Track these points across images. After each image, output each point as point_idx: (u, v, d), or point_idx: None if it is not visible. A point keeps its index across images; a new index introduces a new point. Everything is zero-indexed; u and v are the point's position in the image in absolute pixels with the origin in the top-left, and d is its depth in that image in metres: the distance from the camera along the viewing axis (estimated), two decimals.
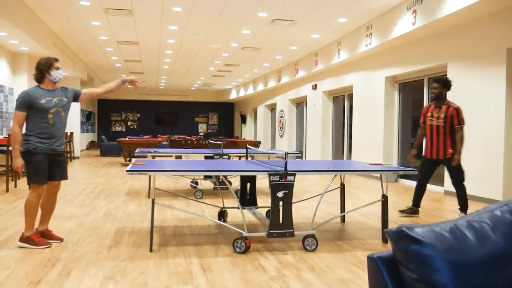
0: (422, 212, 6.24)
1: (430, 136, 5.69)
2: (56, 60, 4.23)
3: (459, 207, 5.75)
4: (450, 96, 7.93)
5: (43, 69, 4.14)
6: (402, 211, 5.94)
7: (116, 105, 27.19)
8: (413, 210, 5.87)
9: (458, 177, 5.62)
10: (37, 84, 4.21)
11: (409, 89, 9.99)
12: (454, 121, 5.53)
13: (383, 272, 1.48)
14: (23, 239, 4.06)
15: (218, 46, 12.57)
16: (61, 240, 4.30)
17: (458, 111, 5.53)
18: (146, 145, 13.30)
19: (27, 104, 4.03)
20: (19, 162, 4.05)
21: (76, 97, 4.45)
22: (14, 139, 4.06)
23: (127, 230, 4.85)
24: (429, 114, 5.69)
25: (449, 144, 5.56)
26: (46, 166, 4.15)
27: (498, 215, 1.61)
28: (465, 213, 5.61)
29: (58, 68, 4.21)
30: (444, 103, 5.65)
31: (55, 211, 5.82)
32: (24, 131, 4.11)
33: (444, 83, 5.65)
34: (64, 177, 4.37)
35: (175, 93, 26.97)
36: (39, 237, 4.11)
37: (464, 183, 5.64)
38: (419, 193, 5.83)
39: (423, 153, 5.92)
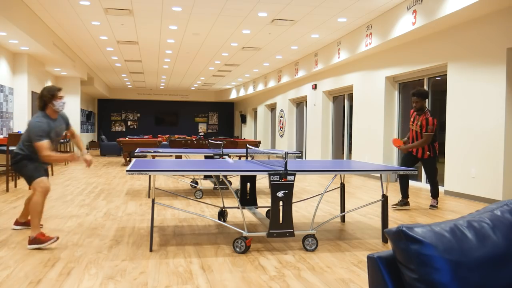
0: (422, 212, 6.25)
1: (413, 138, 6.51)
2: (59, 89, 4.36)
3: (431, 194, 6.57)
4: (452, 96, 7.94)
5: (46, 100, 4.27)
6: (394, 206, 6.47)
7: (116, 105, 27.19)
8: (404, 202, 6.47)
9: (431, 174, 6.43)
10: (42, 111, 4.33)
11: (409, 89, 9.99)
12: (423, 129, 6.32)
13: (383, 272, 1.48)
14: (32, 241, 4.03)
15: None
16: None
17: (427, 121, 6.25)
18: (146, 145, 13.31)
19: (46, 132, 4.21)
20: (76, 155, 4.30)
21: (67, 128, 4.70)
22: (59, 158, 4.22)
23: (127, 230, 4.85)
24: (411, 119, 6.52)
25: (426, 147, 6.37)
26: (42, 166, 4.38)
27: (498, 215, 1.61)
28: (437, 200, 6.53)
29: (61, 98, 4.34)
30: (423, 112, 6.37)
31: (55, 211, 5.83)
32: (22, 146, 4.29)
33: (422, 96, 6.35)
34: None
35: (175, 93, 26.97)
36: (43, 234, 4.10)
37: (436, 179, 6.51)
38: (404, 184, 6.44)
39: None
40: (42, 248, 4.03)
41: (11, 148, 7.63)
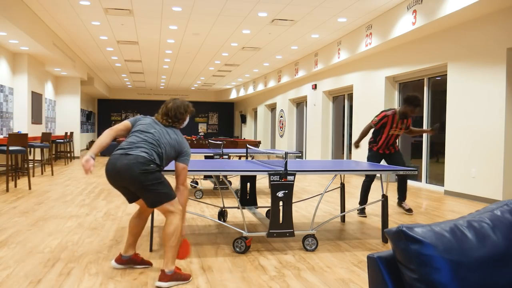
0: (422, 212, 6.25)
1: (387, 139, 6.02)
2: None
3: (398, 196, 6.24)
4: (452, 96, 7.94)
5: (184, 117, 3.52)
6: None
7: (116, 105, 27.20)
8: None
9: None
10: (177, 129, 3.51)
11: (409, 89, 9.99)
12: (409, 126, 6.09)
13: (383, 272, 1.48)
14: (170, 277, 3.19)
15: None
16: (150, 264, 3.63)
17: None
18: None
19: None
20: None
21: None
22: (183, 214, 3.42)
23: (127, 230, 4.85)
24: (394, 125, 5.96)
25: (395, 143, 6.17)
26: None
27: (498, 215, 1.61)
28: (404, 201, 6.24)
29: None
30: (408, 116, 6.04)
31: (55, 211, 5.83)
32: (155, 153, 3.28)
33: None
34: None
35: (175, 93, 26.96)
36: (180, 269, 3.35)
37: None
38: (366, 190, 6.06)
39: (374, 148, 6.13)
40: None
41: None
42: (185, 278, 3.24)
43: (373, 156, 6.12)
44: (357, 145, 6.16)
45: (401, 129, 6.04)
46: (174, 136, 3.37)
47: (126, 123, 3.44)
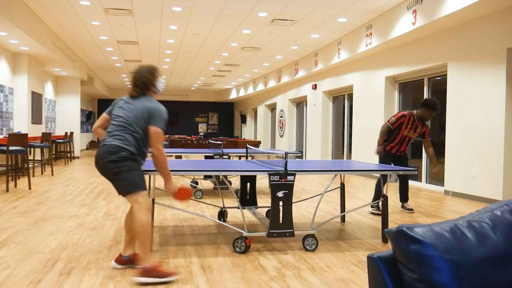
0: (421, 212, 6.25)
1: (401, 140, 6.10)
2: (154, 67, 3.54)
3: (400, 198, 6.30)
4: (452, 96, 7.94)
5: (148, 82, 3.42)
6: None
7: None
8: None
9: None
10: (149, 96, 3.44)
11: (409, 89, 9.99)
12: (426, 135, 6.14)
13: (383, 272, 1.48)
14: (145, 272, 3.17)
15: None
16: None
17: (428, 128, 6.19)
18: None
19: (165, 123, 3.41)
20: (174, 186, 3.45)
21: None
22: (167, 172, 3.38)
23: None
24: (409, 126, 6.05)
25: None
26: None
27: (498, 215, 1.61)
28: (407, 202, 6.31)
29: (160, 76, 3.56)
30: (425, 122, 6.16)
31: (55, 211, 5.83)
32: (127, 136, 3.25)
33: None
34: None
35: (175, 93, 26.97)
36: (160, 265, 3.27)
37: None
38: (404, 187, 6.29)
39: (387, 147, 6.18)
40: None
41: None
42: (166, 275, 3.18)
43: (386, 157, 6.18)
44: (380, 150, 6.08)
45: (415, 132, 6.07)
46: (144, 105, 3.30)
47: (103, 115, 3.49)
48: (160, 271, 3.18)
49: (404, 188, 6.24)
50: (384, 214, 4.40)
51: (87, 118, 22.55)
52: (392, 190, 8.14)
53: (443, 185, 8.20)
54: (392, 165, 5.85)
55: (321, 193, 4.38)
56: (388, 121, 6.12)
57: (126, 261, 3.49)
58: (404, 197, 6.25)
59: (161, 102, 27.37)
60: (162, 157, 3.29)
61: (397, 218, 5.74)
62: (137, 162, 3.30)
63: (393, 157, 6.17)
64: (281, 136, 18.22)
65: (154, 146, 3.27)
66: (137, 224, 3.18)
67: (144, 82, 3.39)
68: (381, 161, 6.18)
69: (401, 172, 4.39)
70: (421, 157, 9.13)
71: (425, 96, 8.97)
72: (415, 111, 6.08)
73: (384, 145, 6.15)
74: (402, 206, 6.30)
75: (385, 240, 4.52)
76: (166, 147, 15.45)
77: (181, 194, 3.47)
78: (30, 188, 7.87)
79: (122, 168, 3.18)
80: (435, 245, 1.40)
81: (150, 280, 3.14)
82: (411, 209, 6.17)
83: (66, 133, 13.70)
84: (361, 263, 3.78)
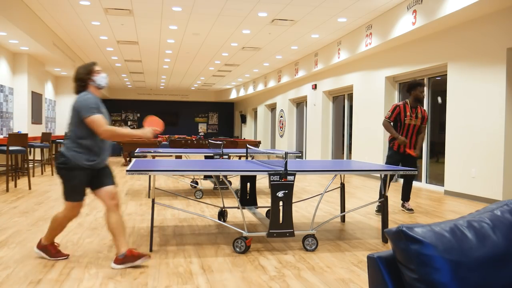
0: (421, 212, 6.25)
1: (407, 131, 6.05)
2: (94, 63, 3.65)
3: (403, 198, 6.29)
4: (452, 96, 7.94)
5: (84, 78, 3.58)
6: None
7: (116, 104, 27.19)
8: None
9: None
10: (84, 91, 3.59)
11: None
12: (424, 121, 6.09)
13: (383, 272, 1.48)
14: (122, 260, 3.52)
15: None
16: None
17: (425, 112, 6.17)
18: (146, 145, 13.30)
19: (97, 107, 3.49)
20: (148, 131, 3.62)
21: None
22: (129, 134, 3.56)
23: (127, 230, 4.84)
24: (408, 113, 6.01)
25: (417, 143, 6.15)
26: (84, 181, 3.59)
27: (498, 215, 1.61)
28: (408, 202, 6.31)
29: (99, 72, 3.64)
30: (421, 104, 6.19)
31: (55, 211, 5.82)
32: (69, 143, 3.55)
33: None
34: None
35: (175, 93, 26.97)
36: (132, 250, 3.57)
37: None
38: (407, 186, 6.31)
39: (395, 147, 6.11)
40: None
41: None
42: (139, 256, 3.49)
43: (392, 157, 6.11)
44: (402, 137, 5.90)
45: (418, 119, 6.00)
46: (72, 104, 3.53)
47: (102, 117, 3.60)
48: (135, 254, 3.50)
49: (408, 187, 6.24)
50: (384, 214, 4.40)
51: None
52: (392, 190, 8.14)
53: (443, 185, 8.19)
54: (400, 166, 5.84)
55: (321, 193, 4.38)
56: (385, 117, 6.15)
57: (123, 260, 3.51)
58: (406, 196, 6.25)
59: (161, 102, 27.48)
60: (112, 134, 3.49)
61: (397, 218, 5.75)
62: (72, 171, 3.51)
63: (401, 157, 6.11)
64: (281, 136, 18.22)
65: (98, 133, 3.47)
66: (56, 224, 3.69)
67: (78, 78, 3.59)
68: (389, 161, 6.13)
69: (401, 172, 4.39)
70: (421, 157, 9.13)
71: (426, 96, 8.97)
72: (407, 100, 6.10)
73: (391, 144, 6.12)
74: (402, 206, 6.30)
75: (385, 240, 4.52)
76: (166, 147, 15.47)
77: (152, 123, 3.71)
78: (30, 188, 7.87)
79: (60, 176, 3.57)
80: (435, 245, 1.40)
81: (128, 265, 3.50)
82: (411, 209, 6.16)
83: (66, 133, 13.67)
84: (361, 263, 3.78)
